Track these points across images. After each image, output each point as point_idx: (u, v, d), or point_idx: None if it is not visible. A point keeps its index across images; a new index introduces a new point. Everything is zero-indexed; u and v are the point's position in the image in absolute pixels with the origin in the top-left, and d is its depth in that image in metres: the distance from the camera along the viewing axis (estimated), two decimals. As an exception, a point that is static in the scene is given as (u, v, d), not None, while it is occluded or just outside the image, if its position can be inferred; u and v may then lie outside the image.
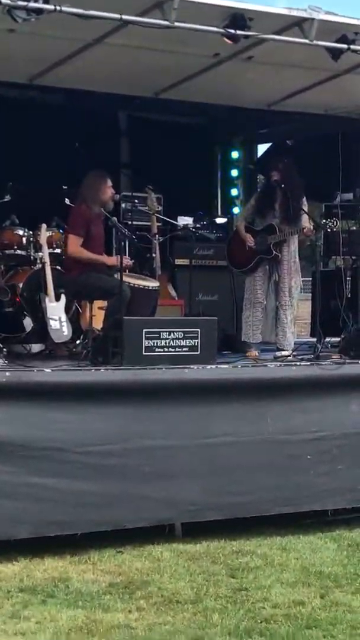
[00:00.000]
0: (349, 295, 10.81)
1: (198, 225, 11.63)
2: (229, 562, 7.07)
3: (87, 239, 8.95)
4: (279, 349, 9.78)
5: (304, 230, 9.74)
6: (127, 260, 9.15)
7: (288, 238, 9.85)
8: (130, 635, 5.59)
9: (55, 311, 9.58)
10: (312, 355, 9.00)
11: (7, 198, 10.14)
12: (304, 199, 9.94)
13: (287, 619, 5.91)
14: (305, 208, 9.86)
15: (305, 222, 9.82)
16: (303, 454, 8.20)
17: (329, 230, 10.04)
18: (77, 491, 7.39)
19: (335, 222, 9.75)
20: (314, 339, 9.63)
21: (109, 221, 8.99)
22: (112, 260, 9.03)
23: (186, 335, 8.22)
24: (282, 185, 9.77)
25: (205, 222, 12.06)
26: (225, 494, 7.88)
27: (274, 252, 9.81)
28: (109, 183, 9.11)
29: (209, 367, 8.18)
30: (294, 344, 9.83)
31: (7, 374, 7.41)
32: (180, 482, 7.72)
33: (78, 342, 9.67)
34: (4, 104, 10.69)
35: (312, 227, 9.77)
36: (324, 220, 9.96)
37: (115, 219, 9.13)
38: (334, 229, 9.93)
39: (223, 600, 6.27)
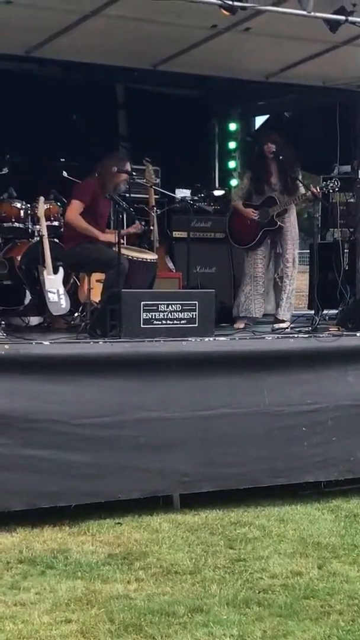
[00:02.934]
0: (347, 268, 10.81)
1: (196, 198, 11.59)
2: (227, 533, 7.11)
3: (91, 213, 8.93)
4: (278, 320, 9.80)
5: (305, 194, 9.74)
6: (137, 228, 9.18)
7: (288, 208, 9.86)
8: (129, 606, 5.62)
9: (54, 284, 9.58)
10: (310, 328, 9.01)
11: (5, 171, 10.12)
12: (299, 169, 9.95)
13: (284, 589, 5.95)
14: (299, 178, 9.88)
15: (302, 190, 9.83)
16: (298, 425, 8.22)
17: (330, 191, 10.01)
18: (71, 463, 7.41)
19: (336, 183, 9.71)
20: (312, 312, 9.64)
21: (107, 194, 8.97)
22: (106, 236, 9.00)
23: (184, 307, 8.23)
24: (278, 157, 9.75)
25: (202, 195, 12.02)
26: (219, 466, 7.91)
27: (278, 223, 9.83)
28: (128, 167, 9.08)
29: (206, 339, 8.20)
30: (292, 316, 9.85)
31: (6, 346, 7.42)
32: (175, 454, 7.75)
33: (76, 314, 9.69)
34: (1, 75, 10.65)
35: (311, 192, 9.71)
36: (324, 182, 9.93)
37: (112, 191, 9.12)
38: (336, 189, 9.90)
39: (221, 570, 6.31)
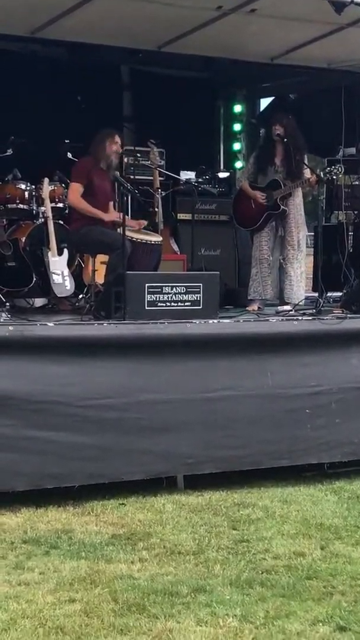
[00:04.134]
0: (351, 250, 10.80)
1: (200, 180, 11.60)
2: (230, 514, 7.13)
3: (91, 192, 8.93)
4: (282, 303, 9.81)
5: (310, 179, 9.74)
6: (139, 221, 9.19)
7: (293, 191, 9.85)
8: (132, 586, 5.65)
9: (58, 265, 9.59)
10: (314, 310, 9.01)
11: (9, 152, 10.10)
12: (305, 154, 9.94)
13: (287, 570, 5.97)
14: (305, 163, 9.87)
15: (308, 174, 9.82)
16: (301, 407, 8.23)
17: (333, 177, 10.01)
18: (75, 444, 7.44)
19: (340, 169, 9.71)
20: (316, 294, 9.64)
21: (112, 175, 8.98)
22: (110, 216, 9.01)
23: (188, 289, 8.23)
24: (285, 140, 9.74)
25: (207, 177, 12.02)
26: (223, 447, 7.92)
27: (281, 206, 9.82)
28: (116, 139, 9.07)
29: (210, 321, 8.20)
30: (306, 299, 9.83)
31: (10, 327, 7.44)
32: (178, 436, 7.77)
33: (81, 296, 9.69)
34: (6, 57, 10.65)
35: (312, 176, 9.72)
36: (328, 168, 9.93)
37: (117, 173, 9.12)
38: (339, 174, 9.90)
39: (224, 551, 6.33)
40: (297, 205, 9.94)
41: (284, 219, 9.91)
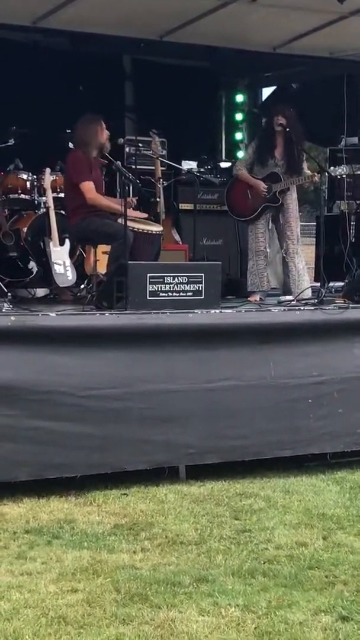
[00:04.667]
0: (353, 240, 10.79)
1: (202, 170, 11.58)
2: (232, 504, 7.13)
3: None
4: (285, 293, 9.80)
5: (310, 177, 9.71)
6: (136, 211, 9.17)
7: (291, 186, 9.84)
8: (134, 576, 5.66)
9: (60, 255, 9.59)
10: (316, 300, 9.00)
11: (11, 142, 10.09)
12: (303, 149, 9.95)
13: (290, 560, 5.98)
14: (305, 156, 9.85)
15: (306, 169, 9.80)
16: (304, 397, 8.23)
17: (333, 175, 10.01)
18: (77, 434, 7.44)
19: (344, 169, 9.71)
20: (318, 284, 9.64)
21: (113, 165, 8.95)
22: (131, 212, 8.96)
23: (190, 280, 8.23)
24: (287, 130, 9.71)
25: (209, 167, 12.01)
26: (225, 438, 7.93)
27: (280, 200, 9.81)
28: (103, 125, 9.00)
29: (212, 311, 8.20)
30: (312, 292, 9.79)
31: (12, 318, 7.43)
32: (181, 426, 7.77)
33: (82, 286, 9.69)
34: (8, 46, 10.63)
35: (314, 174, 9.70)
36: (332, 168, 9.92)
37: (119, 163, 9.10)
38: (343, 175, 9.89)
39: (227, 541, 6.34)
40: (294, 199, 9.94)
41: (283, 212, 9.89)
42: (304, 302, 9.15)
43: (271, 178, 9.85)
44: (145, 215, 9.34)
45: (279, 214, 9.93)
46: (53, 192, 9.84)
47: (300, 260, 9.90)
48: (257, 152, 10.03)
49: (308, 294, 9.56)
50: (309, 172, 9.75)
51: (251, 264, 9.99)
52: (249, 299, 9.77)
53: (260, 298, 9.79)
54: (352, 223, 11.08)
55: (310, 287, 9.73)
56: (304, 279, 9.92)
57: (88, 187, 8.77)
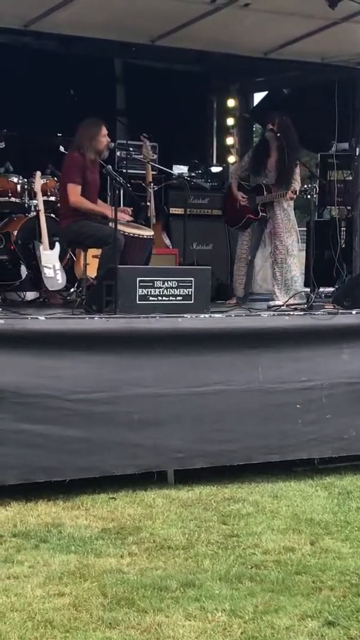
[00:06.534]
0: (343, 246, 10.82)
1: (193, 174, 11.60)
2: (220, 509, 7.13)
3: (83, 186, 8.91)
4: (274, 299, 9.82)
5: (288, 193, 9.69)
6: (127, 214, 9.16)
7: (276, 200, 9.83)
8: (122, 580, 5.65)
9: (50, 259, 9.57)
10: (306, 305, 9.01)
11: (1, 145, 10.10)
12: (298, 158, 9.96)
13: (277, 565, 5.98)
14: (298, 170, 9.84)
15: (296, 181, 9.78)
16: (292, 402, 8.23)
17: (323, 182, 10.04)
18: (65, 438, 7.43)
19: (313, 189, 9.67)
20: (308, 289, 9.64)
21: (104, 169, 8.95)
22: (108, 211, 8.98)
23: (180, 284, 8.23)
24: (278, 135, 9.72)
25: (200, 171, 12.03)
26: (213, 442, 7.93)
27: (260, 213, 9.84)
28: (105, 131, 9.05)
29: (202, 316, 8.20)
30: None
31: (1, 321, 7.43)
32: (169, 430, 7.77)
33: (72, 290, 9.68)
34: (-1, 49, 10.61)
35: (297, 190, 9.67)
36: (306, 186, 9.88)
37: (109, 167, 9.10)
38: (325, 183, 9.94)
39: (214, 546, 6.33)
40: (284, 210, 9.88)
41: (273, 223, 9.88)
42: (293, 307, 9.15)
43: (256, 190, 9.91)
44: (130, 213, 9.33)
45: (267, 224, 9.95)
46: (43, 195, 9.84)
47: (288, 270, 9.85)
48: (252, 162, 10.09)
49: (297, 299, 9.58)
50: (294, 185, 9.72)
51: (234, 268, 10.12)
52: (227, 302, 9.89)
53: (236, 302, 9.89)
54: (342, 229, 11.10)
55: (299, 293, 9.73)
56: (292, 289, 9.86)
57: (72, 190, 8.82)
